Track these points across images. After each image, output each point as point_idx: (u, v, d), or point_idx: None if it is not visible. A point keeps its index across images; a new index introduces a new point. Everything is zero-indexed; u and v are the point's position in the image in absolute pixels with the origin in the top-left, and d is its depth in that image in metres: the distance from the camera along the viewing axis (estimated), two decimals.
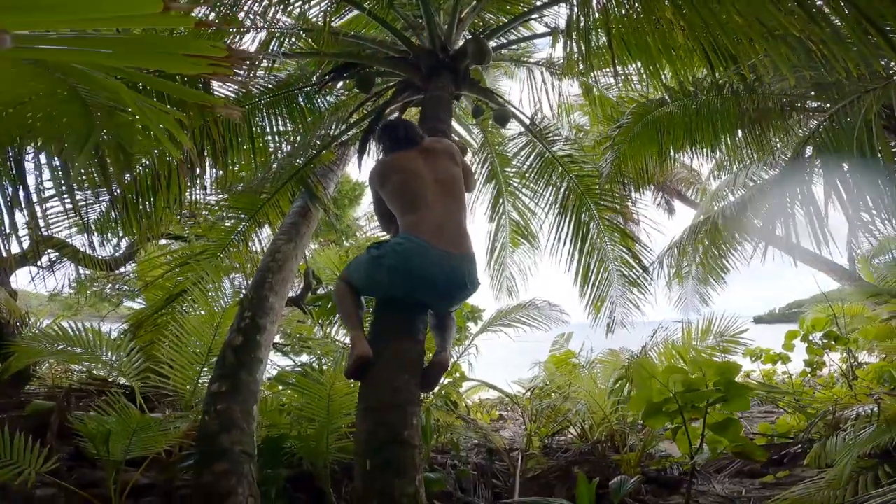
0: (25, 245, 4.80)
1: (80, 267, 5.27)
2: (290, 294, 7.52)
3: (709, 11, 3.11)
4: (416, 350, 2.42)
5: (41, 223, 3.97)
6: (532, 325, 5.88)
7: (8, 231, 3.01)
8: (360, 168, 4.88)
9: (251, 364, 3.03)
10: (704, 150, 5.37)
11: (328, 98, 5.32)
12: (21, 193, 2.94)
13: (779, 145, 5.91)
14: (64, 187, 3.90)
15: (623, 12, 3.68)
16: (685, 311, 7.85)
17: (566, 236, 5.42)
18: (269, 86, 4.71)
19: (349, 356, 2.34)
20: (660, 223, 5.67)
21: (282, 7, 4.21)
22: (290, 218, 4.41)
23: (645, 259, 5.39)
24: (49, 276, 5.18)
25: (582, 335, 5.99)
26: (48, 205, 3.94)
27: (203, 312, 4.17)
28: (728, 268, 6.58)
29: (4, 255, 3.18)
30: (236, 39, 4.20)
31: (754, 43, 3.13)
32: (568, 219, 5.38)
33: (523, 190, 6.04)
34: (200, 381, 3.83)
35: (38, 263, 5.92)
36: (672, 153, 5.20)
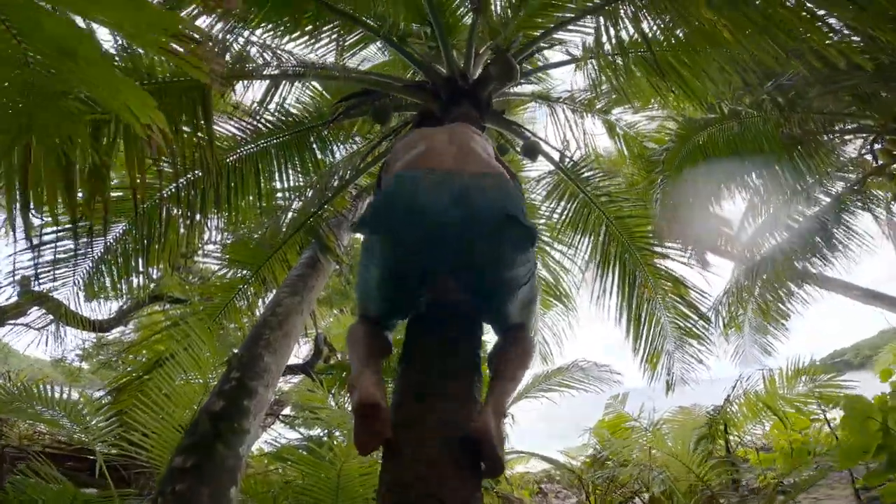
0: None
1: (63, 324, 4.83)
2: (299, 360, 6.92)
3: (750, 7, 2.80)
4: (465, 397, 1.55)
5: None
6: (577, 389, 5.18)
7: None
8: None
9: (232, 435, 2.38)
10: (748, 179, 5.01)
11: (343, 146, 5.03)
12: None
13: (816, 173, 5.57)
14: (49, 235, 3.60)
15: (658, 21, 3.35)
16: (744, 364, 7.09)
17: (611, 288, 4.82)
18: (280, 124, 4.36)
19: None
20: (700, 274, 5.12)
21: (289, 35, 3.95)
22: (297, 270, 3.96)
23: (701, 306, 4.74)
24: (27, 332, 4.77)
25: (637, 398, 5.29)
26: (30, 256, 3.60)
27: (200, 381, 3.68)
28: (789, 314, 5.95)
29: None
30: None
31: (804, 35, 2.78)
32: (611, 268, 4.80)
33: (553, 244, 5.55)
34: None
35: (21, 321, 5.53)
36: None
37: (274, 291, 4.60)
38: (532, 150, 4.33)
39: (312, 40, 4.22)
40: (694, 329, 4.73)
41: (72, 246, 3.94)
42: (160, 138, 1.59)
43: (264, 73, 3.58)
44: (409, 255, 1.55)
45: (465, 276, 1.60)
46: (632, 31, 3.52)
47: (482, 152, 1.80)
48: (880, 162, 6.06)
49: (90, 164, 2.57)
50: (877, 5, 2.66)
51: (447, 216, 1.47)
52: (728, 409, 4.66)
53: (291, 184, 4.55)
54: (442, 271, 1.60)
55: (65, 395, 3.94)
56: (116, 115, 2.70)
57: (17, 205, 2.49)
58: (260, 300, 4.67)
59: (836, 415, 5.79)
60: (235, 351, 3.59)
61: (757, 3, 2.86)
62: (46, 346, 4.96)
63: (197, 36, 1.37)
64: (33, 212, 2.66)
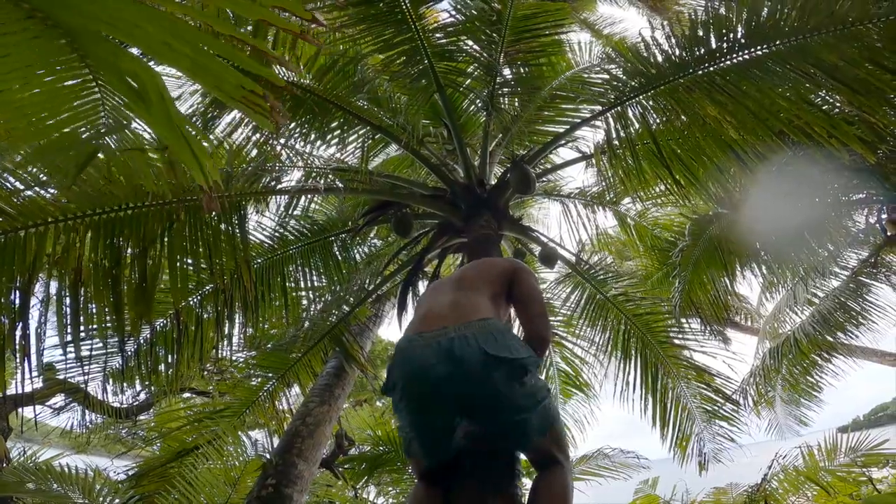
0: (33, 386, 4.51)
1: (89, 411, 4.84)
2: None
3: (752, 100, 2.99)
4: None
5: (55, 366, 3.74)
6: (604, 476, 5.02)
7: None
8: (399, 324, 4.47)
9: None
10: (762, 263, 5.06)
11: (363, 248, 5.19)
12: (19, 332, 2.57)
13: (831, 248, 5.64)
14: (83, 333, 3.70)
15: (663, 118, 3.56)
16: (780, 434, 6.90)
17: (634, 380, 4.80)
18: (304, 231, 4.56)
19: None
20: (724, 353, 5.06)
21: (319, 140, 4.20)
22: (324, 379, 4.07)
23: (727, 390, 4.67)
24: (56, 416, 4.78)
25: (667, 475, 5.13)
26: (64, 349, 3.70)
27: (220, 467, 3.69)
28: (821, 386, 5.82)
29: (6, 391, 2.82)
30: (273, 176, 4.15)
31: (800, 121, 2.96)
32: (633, 362, 4.81)
33: (572, 339, 5.56)
34: None
35: (47, 404, 5.54)
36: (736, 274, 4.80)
37: (296, 388, 4.66)
38: (549, 258, 4.43)
39: (340, 144, 4.50)
40: (721, 412, 4.66)
41: (102, 345, 4.04)
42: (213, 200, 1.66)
43: (294, 188, 3.79)
44: (419, 412, 1.70)
45: (479, 420, 1.72)
46: (638, 126, 3.71)
47: (476, 297, 1.92)
48: (889, 233, 6.13)
49: (135, 285, 2.74)
50: (869, 86, 2.82)
51: (436, 373, 1.61)
52: (767, 486, 4.57)
53: (315, 284, 4.68)
54: (458, 421, 1.72)
55: (82, 473, 4.00)
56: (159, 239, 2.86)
57: (69, 324, 2.64)
58: (285, 400, 4.68)
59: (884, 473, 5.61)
60: (267, 455, 3.60)
61: (757, 96, 3.04)
62: (71, 430, 4.98)
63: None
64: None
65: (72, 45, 1.20)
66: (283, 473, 2.93)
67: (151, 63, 1.28)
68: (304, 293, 4.54)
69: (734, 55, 3.11)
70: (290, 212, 4.21)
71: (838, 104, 3.21)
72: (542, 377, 5.63)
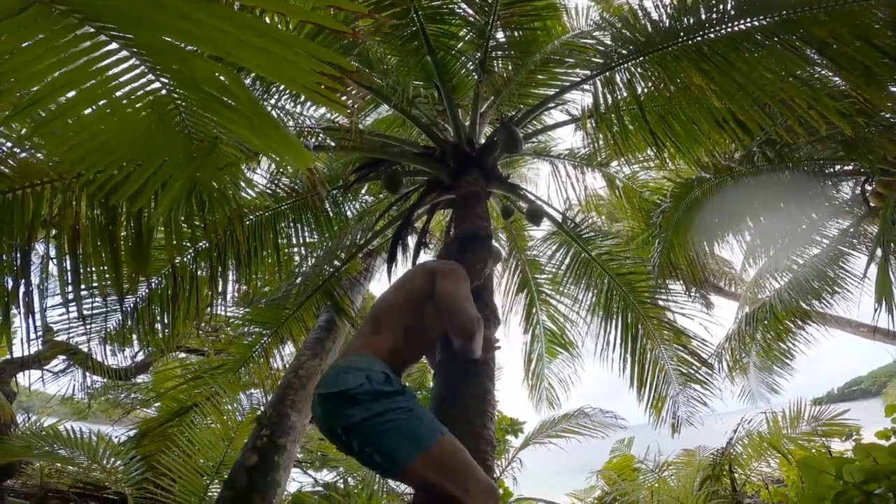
0: (35, 348, 4.66)
1: (90, 374, 4.98)
2: None
3: (738, 72, 3.05)
4: None
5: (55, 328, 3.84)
6: (584, 434, 5.28)
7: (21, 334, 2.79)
8: (389, 279, 4.64)
9: (266, 487, 2.59)
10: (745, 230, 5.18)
11: (354, 204, 5.26)
12: (22, 289, 2.67)
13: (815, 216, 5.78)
14: (83, 291, 3.79)
15: (650, 85, 3.61)
16: (752, 401, 7.17)
17: (614, 340, 4.99)
18: (296, 188, 4.61)
19: None
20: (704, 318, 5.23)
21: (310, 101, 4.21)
22: (315, 333, 4.19)
23: (703, 353, 4.88)
24: (57, 379, 4.92)
25: (643, 437, 5.40)
26: (62, 311, 3.81)
27: (218, 426, 3.84)
28: (793, 353, 6.05)
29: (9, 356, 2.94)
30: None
31: (785, 95, 3.03)
32: (614, 321, 4.98)
33: (557, 297, 5.75)
34: (208, 494, 3.52)
35: (46, 367, 5.69)
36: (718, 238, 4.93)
37: (290, 346, 4.81)
38: (535, 215, 4.57)
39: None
40: (697, 375, 4.86)
41: (101, 303, 4.14)
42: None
43: None
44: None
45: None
46: (625, 92, 3.76)
47: (366, 332, 2.03)
48: (872, 204, 6.25)
49: (132, 239, 2.82)
50: (855, 63, 2.89)
51: (315, 414, 1.81)
52: (732, 451, 4.78)
53: (307, 240, 4.76)
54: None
55: (86, 437, 4.16)
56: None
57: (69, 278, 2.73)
58: (277, 352, 4.84)
59: (844, 447, 5.92)
60: (262, 408, 3.78)
61: (744, 67, 3.10)
62: (72, 391, 5.14)
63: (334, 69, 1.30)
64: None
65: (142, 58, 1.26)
66: (276, 424, 3.10)
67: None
68: (296, 249, 4.63)
69: (723, 26, 3.14)
70: (280, 169, 4.26)
71: (822, 79, 3.27)
72: (528, 336, 5.84)
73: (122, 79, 1.31)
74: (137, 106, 1.42)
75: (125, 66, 1.27)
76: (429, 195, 4.26)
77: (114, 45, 1.20)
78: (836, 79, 3.27)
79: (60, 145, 1.77)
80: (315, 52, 1.18)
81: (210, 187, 2.38)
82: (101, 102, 1.43)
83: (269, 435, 2.98)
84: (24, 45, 1.15)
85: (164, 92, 1.39)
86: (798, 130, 3.36)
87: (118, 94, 1.36)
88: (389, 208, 4.81)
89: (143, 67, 1.28)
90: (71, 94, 1.37)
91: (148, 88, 1.38)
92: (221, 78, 1.33)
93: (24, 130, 2.39)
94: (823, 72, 3.25)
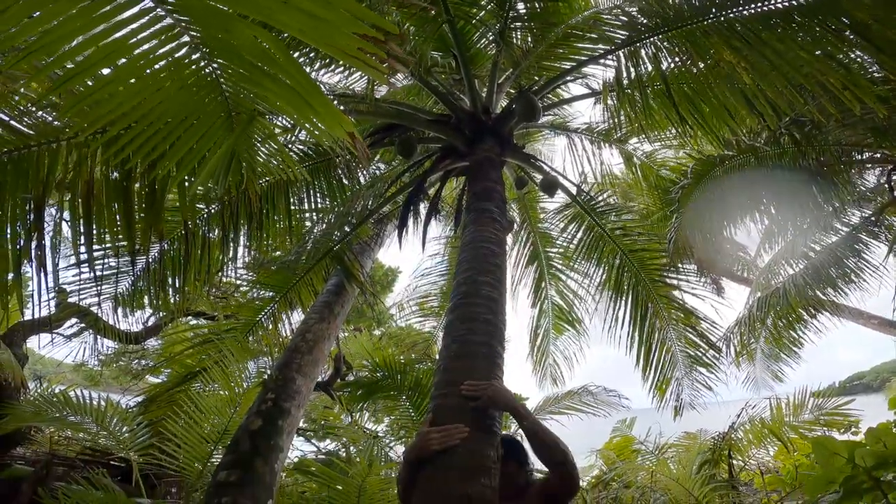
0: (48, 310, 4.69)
1: (100, 337, 5.02)
2: (319, 378, 7.09)
3: (771, 50, 2.92)
4: None
5: (67, 290, 3.86)
6: (587, 412, 5.27)
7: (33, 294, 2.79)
8: (399, 245, 4.61)
9: (269, 451, 2.60)
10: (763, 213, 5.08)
11: (367, 171, 5.22)
12: (34, 244, 2.67)
13: (837, 204, 5.63)
14: (96, 251, 3.79)
15: (677, 60, 3.49)
16: (756, 389, 7.14)
17: (623, 318, 4.93)
18: (309, 152, 4.56)
19: None
20: (715, 301, 5.15)
21: (324, 69, 4.14)
22: (324, 297, 4.16)
23: (712, 336, 4.82)
24: (67, 343, 4.96)
25: (646, 422, 5.38)
26: (76, 272, 3.84)
27: (224, 392, 3.86)
28: (802, 341, 5.98)
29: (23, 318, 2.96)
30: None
31: (822, 76, 2.90)
32: (624, 298, 4.91)
33: (567, 272, 5.68)
34: (211, 461, 3.55)
35: (57, 331, 5.75)
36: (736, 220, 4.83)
37: (298, 312, 4.82)
38: (550, 186, 4.49)
39: (346, 72, 4.44)
40: (704, 358, 4.82)
41: (114, 264, 4.16)
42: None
43: None
44: None
45: None
46: (650, 67, 3.65)
47: None
48: None
49: (146, 197, 2.81)
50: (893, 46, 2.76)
51: None
52: (733, 436, 4.76)
53: (318, 206, 4.75)
54: None
55: (96, 403, 4.18)
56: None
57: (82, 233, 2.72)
58: (285, 317, 4.86)
59: (843, 439, 5.86)
60: (268, 372, 3.79)
61: (778, 46, 2.98)
62: (84, 356, 5.18)
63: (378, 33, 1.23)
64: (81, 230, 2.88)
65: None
66: (282, 388, 3.09)
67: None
68: (307, 214, 4.61)
69: (759, 3, 3.00)
70: (295, 133, 4.21)
71: (859, 61, 3.14)
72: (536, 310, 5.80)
73: (158, 45, 1.29)
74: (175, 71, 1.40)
75: (161, 25, 1.23)
76: (442, 161, 4.22)
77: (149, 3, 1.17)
78: (873, 64, 3.13)
79: (95, 107, 1.72)
80: (360, 14, 1.12)
81: (249, 159, 2.33)
82: (131, 63, 1.39)
83: (273, 399, 2.98)
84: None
85: (203, 63, 1.37)
86: (831, 110, 3.23)
87: (155, 55, 1.34)
88: (403, 174, 4.76)
89: (185, 37, 1.26)
90: (100, 55, 1.34)
91: (182, 52, 1.35)
92: (264, 45, 1.28)
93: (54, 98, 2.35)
94: (861, 53, 3.11)
